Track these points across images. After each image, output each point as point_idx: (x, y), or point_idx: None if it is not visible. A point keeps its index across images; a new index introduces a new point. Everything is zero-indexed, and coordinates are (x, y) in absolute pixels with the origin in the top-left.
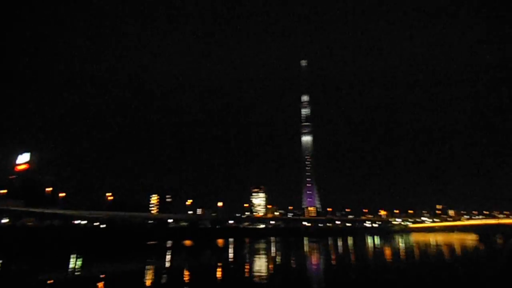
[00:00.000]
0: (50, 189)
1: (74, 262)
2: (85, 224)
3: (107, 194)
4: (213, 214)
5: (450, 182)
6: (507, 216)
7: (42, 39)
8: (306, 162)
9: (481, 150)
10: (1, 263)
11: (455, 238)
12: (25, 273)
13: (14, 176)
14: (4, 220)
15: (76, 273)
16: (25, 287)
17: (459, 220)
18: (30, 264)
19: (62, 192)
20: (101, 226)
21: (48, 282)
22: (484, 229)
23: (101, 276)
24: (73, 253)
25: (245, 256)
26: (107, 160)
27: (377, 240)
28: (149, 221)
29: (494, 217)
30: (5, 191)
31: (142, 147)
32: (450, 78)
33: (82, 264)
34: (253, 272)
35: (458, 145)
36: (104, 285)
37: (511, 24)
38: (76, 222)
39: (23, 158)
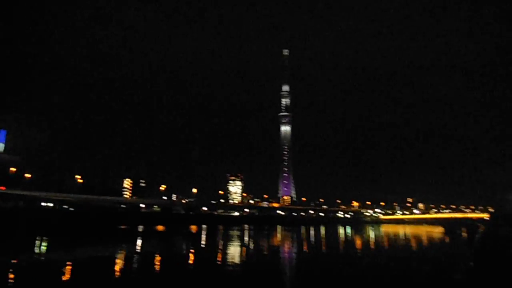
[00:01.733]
0: (14, 169)
1: (39, 246)
2: (52, 206)
3: (77, 176)
4: (187, 201)
5: (422, 176)
6: (473, 211)
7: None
8: (284, 152)
9: (453, 147)
10: None
11: (423, 231)
12: None
13: None
14: None
15: (41, 257)
16: None
17: (428, 213)
18: None
19: (29, 173)
20: (70, 209)
21: (12, 266)
22: (450, 222)
23: (68, 260)
24: (39, 237)
25: (218, 243)
26: (78, 143)
27: (348, 230)
28: (121, 206)
29: (460, 211)
30: None
31: (117, 131)
32: (429, 69)
33: (49, 247)
34: (225, 258)
35: (432, 141)
36: (71, 269)
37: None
38: (43, 204)
39: None
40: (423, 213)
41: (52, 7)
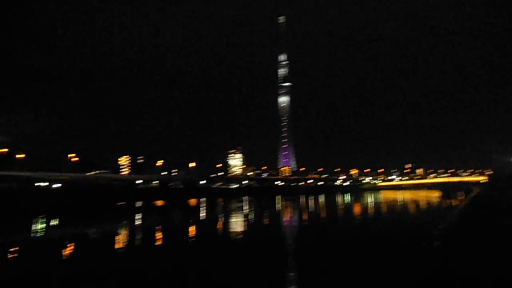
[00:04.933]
0: (6, 150)
1: (36, 226)
2: (46, 186)
3: (71, 155)
4: (185, 175)
5: (420, 141)
6: (470, 174)
7: None
8: (283, 123)
9: (451, 111)
10: None
11: (421, 195)
12: None
13: None
14: None
15: (43, 236)
16: None
17: (426, 178)
18: None
19: (21, 154)
20: (65, 188)
21: (12, 245)
22: (448, 186)
23: (70, 238)
24: (34, 217)
25: (217, 215)
26: (73, 120)
27: (347, 197)
28: (118, 182)
29: (458, 175)
30: None
31: (112, 108)
32: (435, 37)
33: (46, 227)
34: (226, 229)
35: (430, 106)
36: (74, 247)
37: None
38: (36, 184)
39: None
40: (421, 178)
41: None
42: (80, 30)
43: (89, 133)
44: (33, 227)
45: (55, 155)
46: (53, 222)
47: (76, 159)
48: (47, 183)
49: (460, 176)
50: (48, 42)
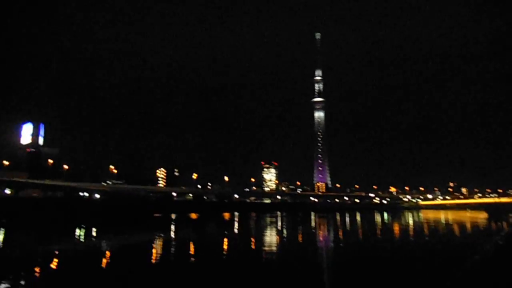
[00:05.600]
0: (52, 161)
1: (79, 234)
2: (88, 196)
3: (111, 167)
4: (219, 188)
5: (465, 159)
6: None
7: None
8: (318, 138)
9: (497, 128)
10: (4, 233)
11: (466, 216)
12: (29, 244)
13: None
14: (8, 191)
15: (82, 244)
16: (30, 257)
17: (472, 198)
18: (33, 235)
19: (66, 165)
20: (104, 198)
21: (55, 253)
22: (496, 207)
23: (107, 247)
24: (77, 225)
25: (250, 229)
26: (114, 133)
27: (386, 216)
28: (154, 194)
29: (508, 195)
30: (8, 162)
31: (152, 122)
32: (472, 53)
33: (87, 235)
34: (259, 244)
35: (474, 122)
36: (110, 256)
37: None
38: (80, 194)
39: (27, 129)
40: (466, 197)
41: None
42: (113, 44)
43: (128, 145)
44: (76, 234)
45: (96, 167)
46: (93, 231)
47: (116, 171)
48: (89, 193)
49: (511, 196)
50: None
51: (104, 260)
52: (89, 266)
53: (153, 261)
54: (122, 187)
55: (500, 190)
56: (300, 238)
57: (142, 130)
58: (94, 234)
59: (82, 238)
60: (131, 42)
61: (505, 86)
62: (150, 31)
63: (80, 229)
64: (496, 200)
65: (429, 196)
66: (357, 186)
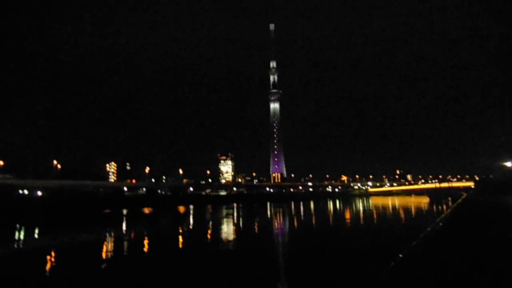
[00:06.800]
0: None
1: (19, 234)
2: (28, 194)
3: (55, 162)
4: (174, 181)
5: (410, 148)
6: (459, 180)
7: None
8: (274, 129)
9: (442, 118)
10: None
11: (411, 201)
12: None
13: None
14: None
15: (26, 246)
16: None
17: (416, 184)
18: None
19: (1, 160)
20: (48, 195)
21: None
22: (436, 192)
23: (53, 248)
24: (15, 227)
25: (205, 222)
26: (58, 126)
27: (338, 203)
28: (103, 190)
29: (447, 181)
30: None
31: (101, 115)
32: (427, 49)
33: (27, 235)
34: (215, 236)
35: (420, 114)
36: (55, 256)
37: None
38: (20, 192)
39: None
40: (411, 184)
41: None
42: (65, 32)
43: (75, 140)
44: (17, 236)
45: (39, 163)
46: (34, 231)
47: (60, 166)
48: (30, 191)
49: (450, 182)
50: (38, 45)
51: (52, 262)
52: (29, 271)
53: (101, 259)
54: (67, 183)
55: (440, 176)
56: (255, 228)
57: (93, 124)
58: (36, 236)
59: (26, 240)
60: (81, 28)
61: (450, 76)
62: (101, 25)
63: (19, 232)
64: (437, 185)
65: (377, 184)
66: (311, 176)
